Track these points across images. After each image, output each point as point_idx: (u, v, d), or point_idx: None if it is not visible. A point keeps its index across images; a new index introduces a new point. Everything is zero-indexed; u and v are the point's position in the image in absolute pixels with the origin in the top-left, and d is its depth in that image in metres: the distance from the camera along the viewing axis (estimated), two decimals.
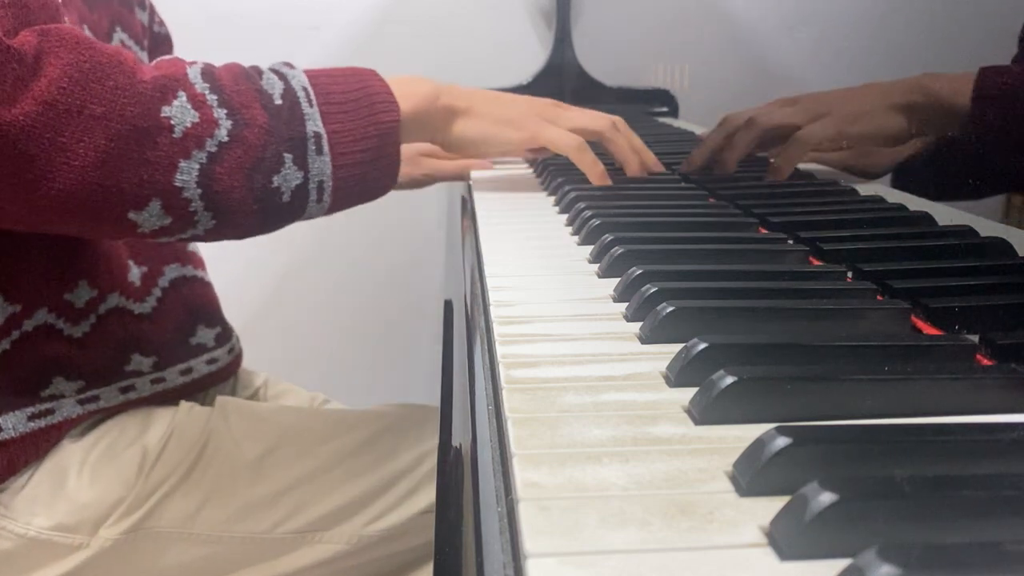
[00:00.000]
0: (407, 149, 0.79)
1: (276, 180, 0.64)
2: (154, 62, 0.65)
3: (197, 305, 0.86)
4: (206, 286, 0.90)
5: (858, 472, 0.28)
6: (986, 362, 0.40)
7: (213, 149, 0.61)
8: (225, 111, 0.62)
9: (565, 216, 0.70)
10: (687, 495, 0.28)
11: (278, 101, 0.65)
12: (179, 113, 0.60)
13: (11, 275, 0.69)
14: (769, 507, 0.27)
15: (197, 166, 0.61)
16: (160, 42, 0.96)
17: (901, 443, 0.29)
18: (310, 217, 0.69)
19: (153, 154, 0.59)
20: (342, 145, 0.67)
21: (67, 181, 0.57)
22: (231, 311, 0.95)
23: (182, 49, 1.02)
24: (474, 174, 0.91)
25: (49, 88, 0.56)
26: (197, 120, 0.61)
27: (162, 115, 0.60)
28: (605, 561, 0.25)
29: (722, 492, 0.29)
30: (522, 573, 0.25)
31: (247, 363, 1.00)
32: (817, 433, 0.29)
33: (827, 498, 0.25)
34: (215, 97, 0.62)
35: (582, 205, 0.67)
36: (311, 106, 0.66)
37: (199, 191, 0.61)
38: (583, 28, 1.49)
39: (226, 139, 0.62)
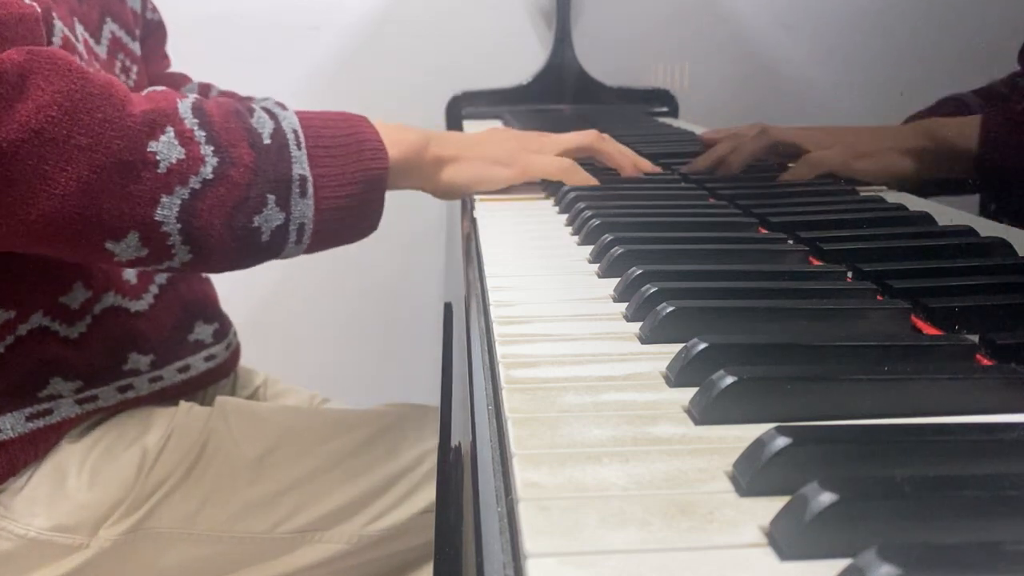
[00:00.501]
0: None
1: (257, 220, 0.64)
2: (147, 91, 0.65)
3: (194, 301, 0.86)
4: (203, 281, 0.90)
5: (858, 472, 0.28)
6: (986, 362, 0.40)
7: (197, 186, 0.61)
8: (212, 148, 0.62)
9: (565, 216, 0.70)
10: (687, 495, 0.28)
11: (267, 141, 0.65)
12: (165, 149, 0.60)
13: (4, 283, 0.69)
14: (769, 507, 0.27)
15: (179, 202, 0.61)
16: (153, 29, 0.95)
17: (901, 443, 0.29)
18: (288, 256, 0.69)
19: (136, 188, 0.59)
20: (327, 189, 0.67)
21: (47, 208, 0.57)
22: (231, 311, 0.95)
23: (182, 49, 1.02)
24: None
25: (37, 115, 0.56)
26: (183, 156, 0.61)
27: (148, 150, 0.60)
28: (605, 561, 0.25)
29: (722, 492, 0.29)
30: (522, 573, 0.25)
31: (247, 362, 1.00)
32: (817, 433, 0.29)
33: (827, 498, 0.25)
34: (203, 134, 0.62)
35: (582, 205, 0.67)
36: (299, 148, 0.66)
37: (179, 226, 0.61)
38: (583, 28, 1.49)
39: (211, 177, 0.62)
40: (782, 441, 0.28)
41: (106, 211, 0.59)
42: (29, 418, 0.70)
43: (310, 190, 0.66)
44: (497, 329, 0.44)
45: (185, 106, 0.63)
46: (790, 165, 0.80)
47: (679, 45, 1.26)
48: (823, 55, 0.81)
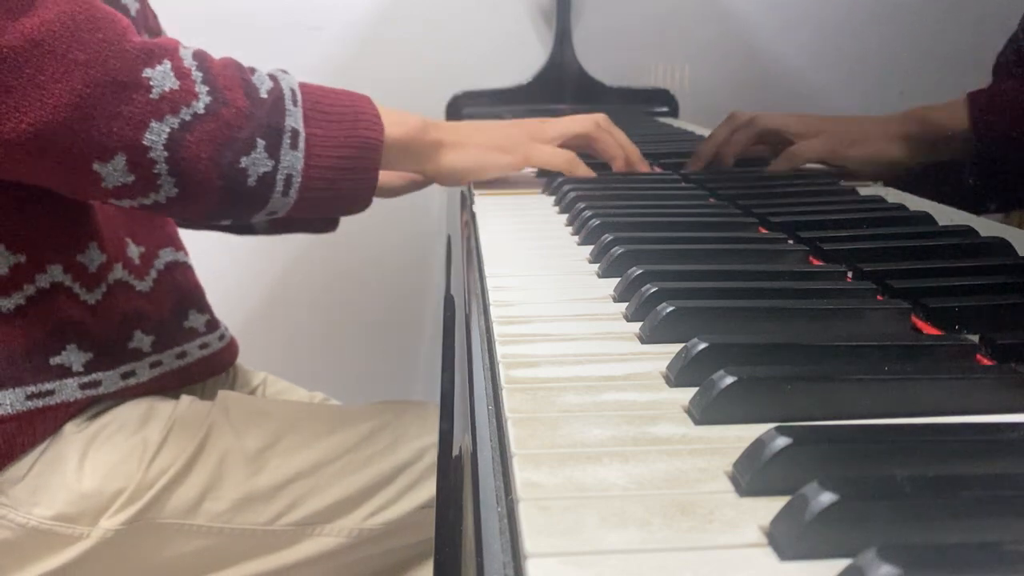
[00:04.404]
0: None
1: (244, 162, 0.65)
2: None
3: (188, 290, 0.88)
4: (193, 276, 0.91)
5: (858, 472, 0.28)
6: (986, 362, 0.40)
7: (187, 118, 0.63)
8: (207, 88, 0.64)
9: (565, 216, 0.70)
10: (687, 495, 0.28)
11: (263, 95, 0.67)
12: (160, 77, 0.62)
13: (10, 223, 0.70)
14: (769, 507, 0.27)
15: (168, 129, 0.62)
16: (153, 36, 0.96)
17: (901, 443, 0.29)
18: (273, 211, 0.69)
19: (127, 109, 0.61)
20: (319, 148, 0.68)
21: (38, 116, 0.59)
22: (231, 311, 0.95)
23: None
24: None
25: (40, 28, 0.59)
26: (176, 87, 0.63)
27: (143, 75, 0.62)
28: (605, 561, 0.25)
29: (722, 492, 0.29)
30: (522, 573, 0.25)
31: (247, 363, 1.00)
32: (817, 433, 0.29)
33: (827, 498, 0.25)
34: (200, 74, 0.64)
35: (582, 205, 0.67)
36: (295, 105, 0.68)
37: (166, 154, 0.62)
38: (583, 28, 1.49)
39: (202, 111, 0.63)
40: (782, 441, 0.28)
41: (95, 127, 0.60)
42: (30, 396, 0.70)
43: (301, 144, 0.67)
44: (497, 329, 0.44)
45: (187, 50, 0.66)
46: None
47: (679, 45, 1.26)
48: (823, 55, 0.81)
